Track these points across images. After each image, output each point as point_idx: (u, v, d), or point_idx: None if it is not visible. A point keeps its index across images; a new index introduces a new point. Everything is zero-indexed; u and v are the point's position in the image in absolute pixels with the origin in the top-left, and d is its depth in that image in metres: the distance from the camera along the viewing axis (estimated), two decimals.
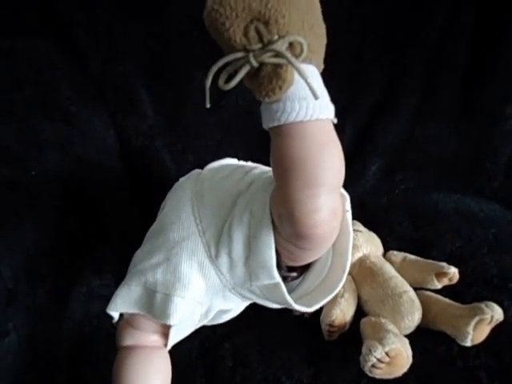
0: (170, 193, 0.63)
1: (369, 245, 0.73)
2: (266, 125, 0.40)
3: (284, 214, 0.43)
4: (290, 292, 0.51)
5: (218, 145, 0.90)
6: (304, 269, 0.54)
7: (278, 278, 0.47)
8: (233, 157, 0.90)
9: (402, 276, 0.68)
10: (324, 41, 0.40)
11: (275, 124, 0.39)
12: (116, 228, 0.75)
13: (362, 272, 0.69)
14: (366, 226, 0.78)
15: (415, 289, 0.66)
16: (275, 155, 0.42)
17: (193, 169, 0.88)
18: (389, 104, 0.91)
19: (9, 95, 0.69)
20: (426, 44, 0.88)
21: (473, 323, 0.59)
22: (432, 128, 0.92)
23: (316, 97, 0.36)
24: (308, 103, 0.38)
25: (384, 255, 0.75)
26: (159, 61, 0.84)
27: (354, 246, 0.69)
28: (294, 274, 0.53)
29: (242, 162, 0.67)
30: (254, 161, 0.86)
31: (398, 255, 0.73)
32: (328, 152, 0.40)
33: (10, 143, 0.64)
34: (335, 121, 0.41)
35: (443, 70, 0.89)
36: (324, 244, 0.47)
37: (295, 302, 0.50)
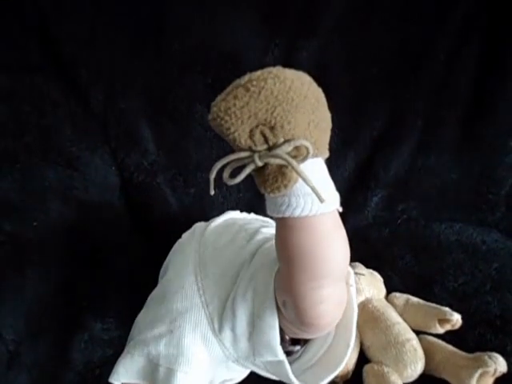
0: (172, 253, 0.62)
1: (371, 288, 0.72)
2: (271, 214, 0.40)
3: (288, 302, 0.43)
4: (293, 361, 0.51)
5: (219, 176, 0.89)
6: (307, 339, 0.53)
7: (281, 357, 0.47)
8: (234, 189, 0.91)
9: (405, 320, 0.68)
10: (329, 129, 0.39)
11: (279, 216, 0.39)
12: (118, 269, 0.75)
13: (365, 317, 0.68)
14: (367, 261, 0.77)
15: (418, 333, 0.66)
16: (279, 243, 0.41)
17: (194, 203, 0.89)
18: (391, 136, 0.91)
19: (11, 142, 0.68)
20: (429, 77, 0.88)
21: (476, 375, 0.58)
22: (434, 159, 0.92)
23: (321, 200, 0.35)
24: (313, 199, 0.37)
25: (386, 297, 0.74)
26: (160, 97, 0.83)
27: (357, 290, 0.69)
28: (298, 348, 0.52)
29: (244, 216, 0.67)
30: (254, 192, 0.86)
31: (400, 298, 0.72)
32: (333, 243, 0.40)
33: (12, 195, 0.64)
34: (340, 209, 0.40)
35: (445, 102, 0.89)
36: (327, 329, 0.47)
37: (299, 376, 0.49)
